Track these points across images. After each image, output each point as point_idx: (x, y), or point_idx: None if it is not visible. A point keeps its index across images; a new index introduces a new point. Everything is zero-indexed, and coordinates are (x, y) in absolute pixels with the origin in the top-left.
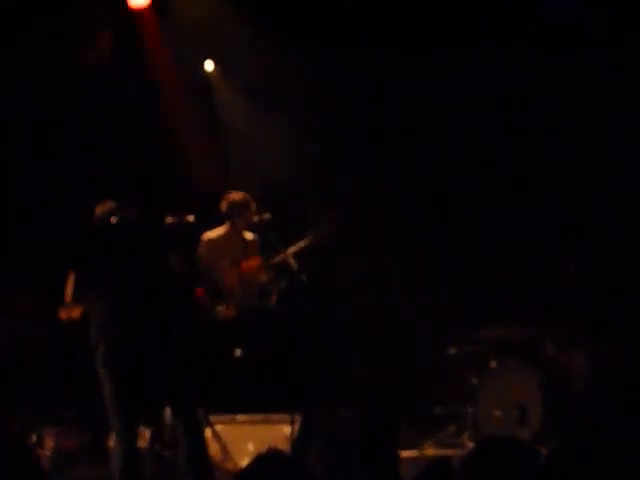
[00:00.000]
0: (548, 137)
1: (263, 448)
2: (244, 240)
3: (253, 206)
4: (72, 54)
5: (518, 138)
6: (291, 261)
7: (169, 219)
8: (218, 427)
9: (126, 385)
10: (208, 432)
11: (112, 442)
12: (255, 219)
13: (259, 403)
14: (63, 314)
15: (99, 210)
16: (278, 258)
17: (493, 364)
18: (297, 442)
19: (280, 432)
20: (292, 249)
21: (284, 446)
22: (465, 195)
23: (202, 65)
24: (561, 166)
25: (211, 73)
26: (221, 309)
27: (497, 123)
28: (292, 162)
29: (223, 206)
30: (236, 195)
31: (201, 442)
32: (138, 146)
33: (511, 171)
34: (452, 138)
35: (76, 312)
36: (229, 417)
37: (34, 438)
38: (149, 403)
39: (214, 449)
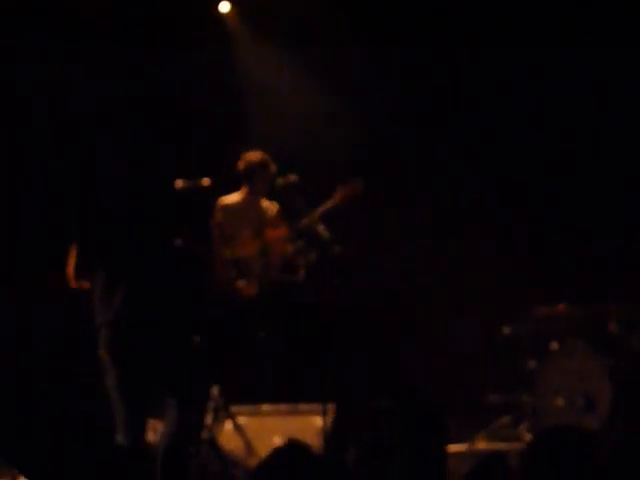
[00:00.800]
0: None
1: None
2: (262, 207)
3: (273, 167)
4: None
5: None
6: (320, 227)
7: (179, 183)
8: (241, 419)
9: (131, 372)
10: (229, 425)
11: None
12: (279, 181)
13: (286, 392)
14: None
15: None
16: (304, 220)
17: (554, 345)
18: (330, 435)
19: (311, 424)
20: (319, 210)
21: (315, 440)
22: (522, 166)
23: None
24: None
25: (227, 14)
26: (242, 285)
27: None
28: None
29: (240, 166)
30: (254, 155)
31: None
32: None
33: (571, 144)
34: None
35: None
36: (253, 407)
37: None
38: (157, 393)
39: (236, 444)
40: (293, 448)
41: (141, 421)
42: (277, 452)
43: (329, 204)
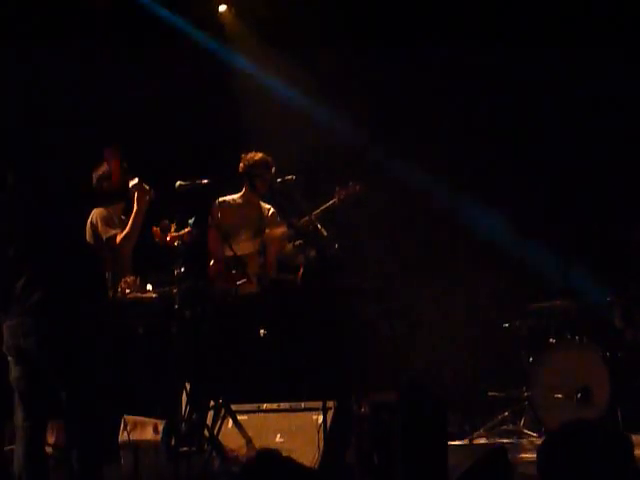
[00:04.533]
0: None
1: (292, 440)
2: (261, 208)
3: (274, 167)
4: None
5: None
6: (319, 227)
7: (178, 183)
8: (241, 417)
9: (30, 372)
10: (229, 423)
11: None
12: (278, 181)
13: (287, 390)
14: None
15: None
16: (304, 220)
17: (551, 340)
18: (331, 432)
19: (311, 422)
20: (319, 210)
21: (316, 437)
22: (517, 162)
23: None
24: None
25: (224, 15)
26: (242, 283)
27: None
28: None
29: (240, 166)
30: (254, 154)
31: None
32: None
33: (560, 138)
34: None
35: None
36: (253, 406)
37: None
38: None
39: (237, 442)
40: (266, 458)
41: (37, 425)
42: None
43: (328, 205)
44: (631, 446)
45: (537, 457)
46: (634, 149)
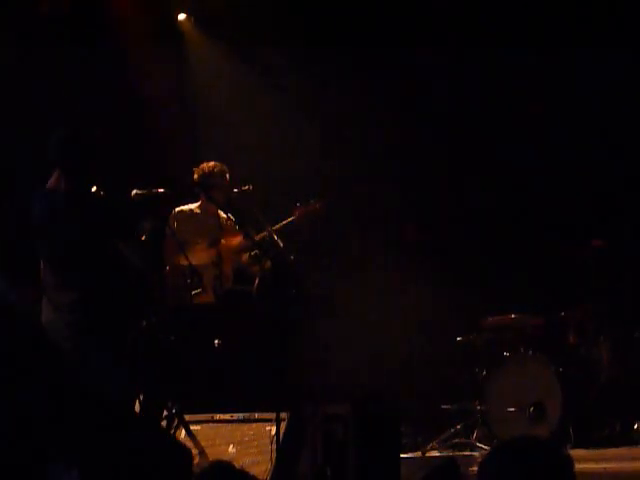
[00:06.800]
0: None
1: (245, 451)
2: (219, 217)
3: (228, 176)
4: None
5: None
6: (275, 237)
7: (134, 192)
8: (194, 427)
9: None
10: (182, 433)
11: None
12: (235, 191)
13: (240, 400)
14: None
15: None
16: (262, 234)
17: (505, 355)
18: (284, 444)
19: (264, 432)
20: (278, 226)
21: (270, 448)
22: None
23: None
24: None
25: (183, 23)
26: (197, 293)
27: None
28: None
29: (196, 176)
30: (209, 163)
31: None
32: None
33: (513, 155)
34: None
35: None
36: (206, 416)
37: None
38: None
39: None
40: (219, 469)
41: None
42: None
43: (287, 222)
44: (572, 468)
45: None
46: (584, 166)
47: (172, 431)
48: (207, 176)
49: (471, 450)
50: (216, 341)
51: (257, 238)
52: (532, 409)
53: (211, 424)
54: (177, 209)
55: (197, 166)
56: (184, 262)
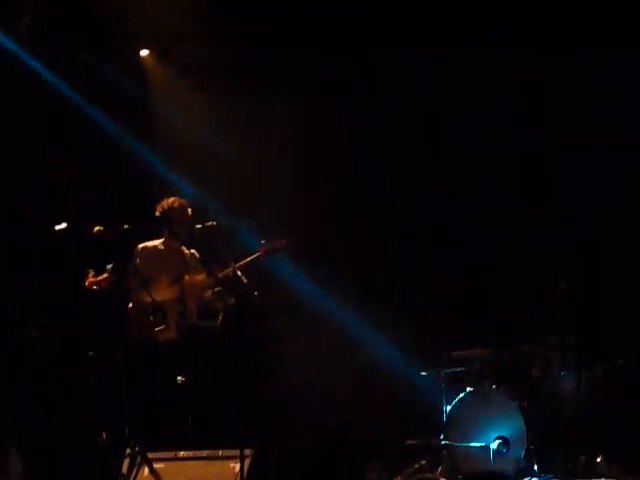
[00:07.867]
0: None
1: None
2: (183, 253)
3: (189, 211)
4: None
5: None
6: (239, 274)
7: (97, 228)
8: (157, 465)
9: None
10: (145, 471)
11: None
12: (198, 227)
13: (204, 437)
14: None
15: None
16: (226, 271)
17: (470, 389)
18: None
19: (228, 470)
20: (242, 262)
21: None
22: (446, 210)
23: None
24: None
25: (146, 59)
26: (160, 329)
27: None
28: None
29: (158, 212)
30: (169, 199)
31: None
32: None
33: (492, 185)
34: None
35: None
36: (170, 453)
37: None
38: None
39: None
40: None
41: None
42: None
43: (252, 259)
44: None
45: None
46: (550, 192)
47: (135, 469)
48: (168, 211)
49: None
50: (179, 378)
51: (221, 275)
52: (496, 444)
53: (175, 462)
54: (141, 245)
55: (159, 202)
56: (147, 299)
